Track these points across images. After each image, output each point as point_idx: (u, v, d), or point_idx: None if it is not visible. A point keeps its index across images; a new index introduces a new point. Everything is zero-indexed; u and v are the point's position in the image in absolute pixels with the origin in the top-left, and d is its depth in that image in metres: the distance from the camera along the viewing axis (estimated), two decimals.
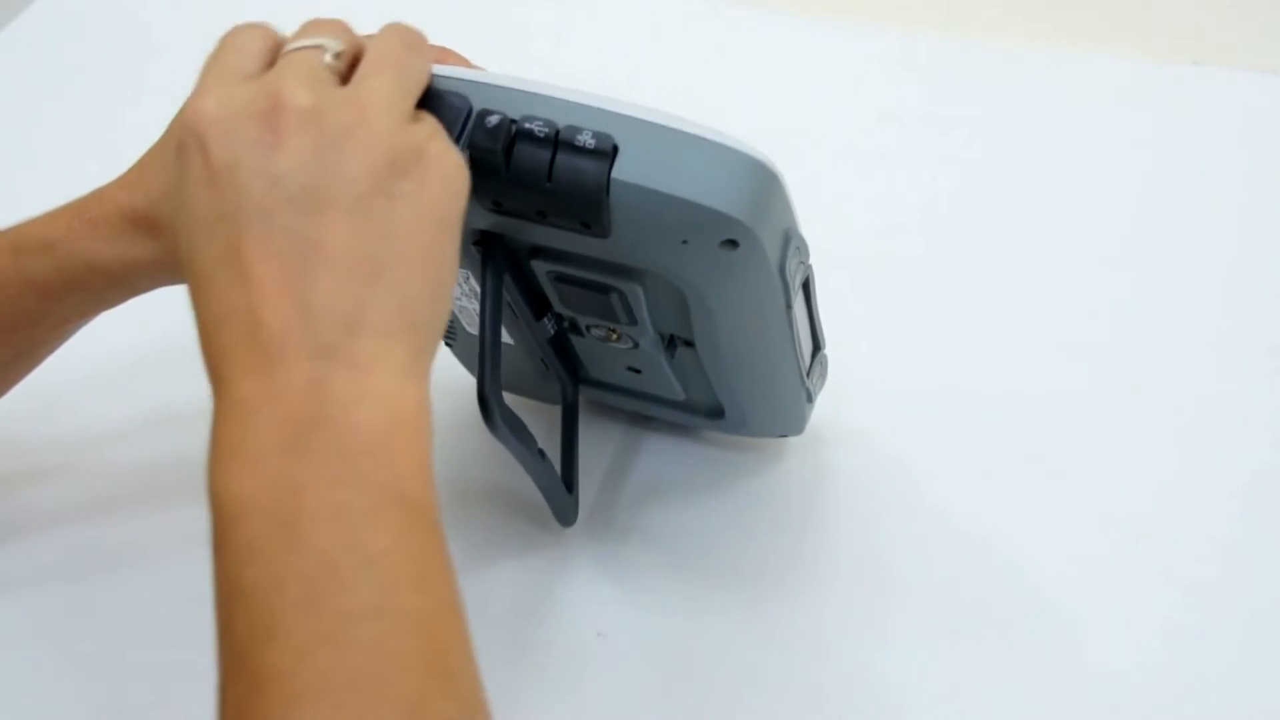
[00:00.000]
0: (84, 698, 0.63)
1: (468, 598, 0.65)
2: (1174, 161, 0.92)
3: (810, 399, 0.68)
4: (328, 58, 0.47)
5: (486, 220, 0.54)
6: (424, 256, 0.45)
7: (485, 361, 0.56)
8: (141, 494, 0.71)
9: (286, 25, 0.51)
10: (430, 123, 0.48)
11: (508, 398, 0.59)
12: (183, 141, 0.46)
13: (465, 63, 0.56)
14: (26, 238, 0.61)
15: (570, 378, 0.69)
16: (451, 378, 0.74)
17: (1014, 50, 1.02)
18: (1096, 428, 0.74)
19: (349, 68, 0.49)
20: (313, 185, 0.44)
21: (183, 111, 0.46)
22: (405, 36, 0.50)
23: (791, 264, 0.54)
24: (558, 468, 0.66)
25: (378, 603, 0.40)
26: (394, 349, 0.44)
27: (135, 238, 0.59)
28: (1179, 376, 0.76)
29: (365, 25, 0.52)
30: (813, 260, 0.58)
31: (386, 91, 0.47)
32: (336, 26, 0.50)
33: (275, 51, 0.49)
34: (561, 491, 0.66)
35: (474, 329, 0.67)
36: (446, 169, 0.46)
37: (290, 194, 0.43)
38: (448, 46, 0.55)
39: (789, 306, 0.57)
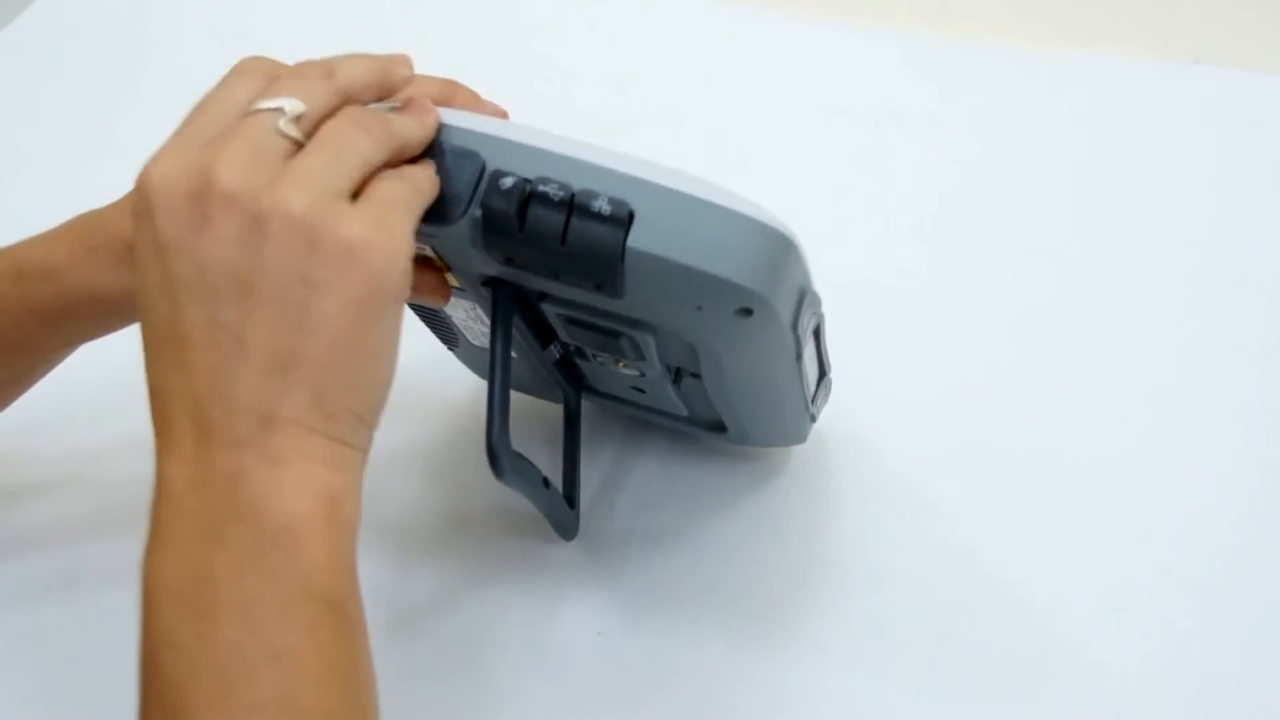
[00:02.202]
0: (88, 709, 0.63)
1: (473, 606, 0.67)
2: (1174, 161, 0.91)
3: (814, 419, 0.68)
4: (282, 123, 0.46)
5: (497, 269, 0.53)
6: (340, 348, 0.44)
7: (494, 413, 0.55)
8: (146, 506, 0.71)
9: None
10: (369, 205, 0.46)
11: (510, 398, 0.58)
12: (135, 207, 0.45)
13: (474, 97, 0.54)
14: (28, 264, 0.60)
15: (574, 388, 0.69)
16: (453, 393, 0.75)
17: (1014, 50, 1.01)
18: (1099, 432, 0.74)
19: (316, 127, 0.47)
20: (234, 273, 0.44)
21: (142, 170, 0.46)
22: (356, 118, 0.47)
23: (804, 318, 0.54)
24: (559, 477, 0.67)
25: (280, 698, 0.42)
26: (311, 441, 0.45)
27: None
28: (1179, 378, 0.77)
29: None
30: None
31: (317, 173, 0.45)
32: (316, 75, 0.48)
33: None
34: (565, 511, 0.66)
35: (477, 342, 0.66)
36: (372, 257, 0.44)
37: (215, 283, 0.44)
38: (456, 80, 0.54)
39: (799, 357, 0.57)
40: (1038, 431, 0.74)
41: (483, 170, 0.49)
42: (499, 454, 0.55)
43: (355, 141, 0.47)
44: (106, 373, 0.74)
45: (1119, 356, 0.78)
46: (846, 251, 0.75)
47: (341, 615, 0.45)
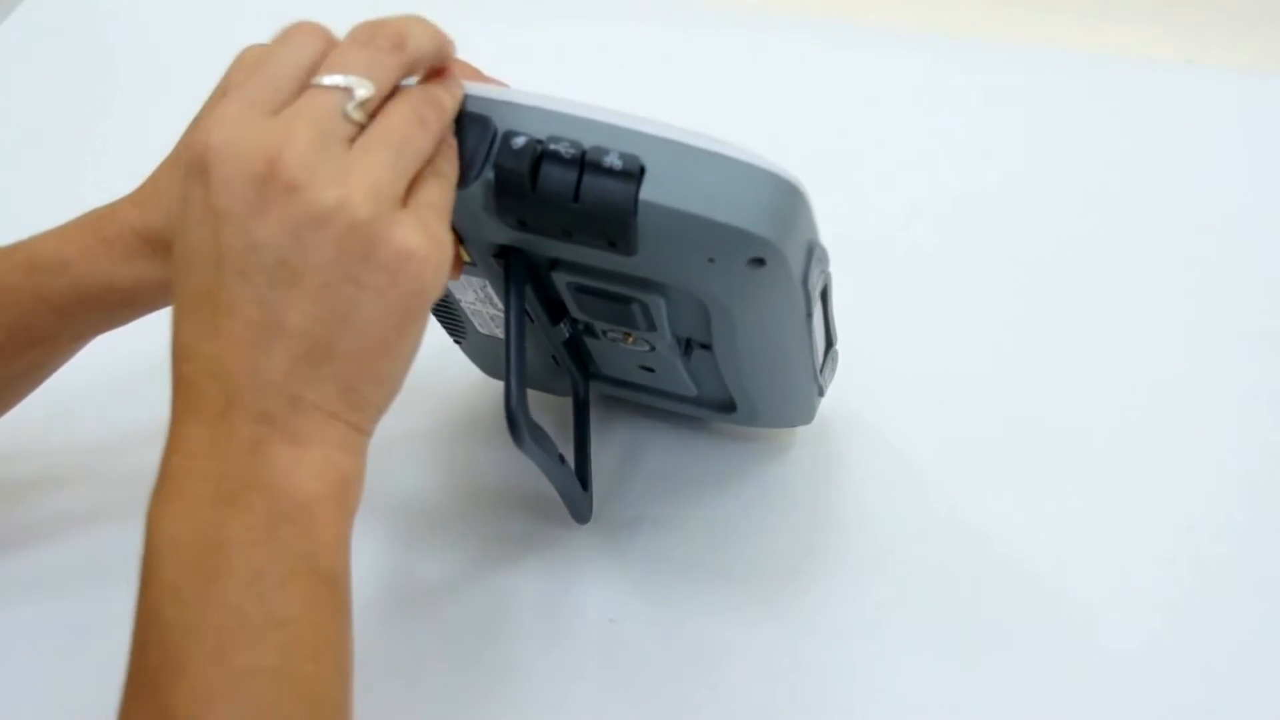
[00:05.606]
0: (102, 701, 0.63)
1: (487, 590, 0.67)
2: (1171, 157, 0.92)
3: (821, 393, 0.68)
4: (350, 106, 0.46)
5: (508, 236, 0.54)
6: (378, 349, 0.46)
7: (511, 379, 0.56)
8: None
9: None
10: (419, 211, 0.46)
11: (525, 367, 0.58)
12: (189, 166, 0.45)
13: (479, 73, 0.55)
14: (42, 256, 0.61)
15: (582, 375, 0.70)
16: (462, 379, 0.75)
17: (1012, 49, 1.02)
18: (1102, 417, 0.75)
19: (378, 106, 0.47)
20: (286, 260, 0.44)
21: (196, 129, 0.46)
22: (418, 108, 0.48)
23: (813, 275, 0.54)
24: (571, 464, 0.67)
25: (278, 666, 0.43)
26: (333, 427, 0.46)
27: (150, 258, 0.59)
28: (1181, 368, 0.77)
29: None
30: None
31: (378, 172, 0.45)
32: (385, 47, 0.48)
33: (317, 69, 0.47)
34: (579, 491, 0.66)
35: (484, 329, 0.67)
36: (424, 270, 0.45)
37: (265, 264, 0.44)
38: (464, 60, 0.55)
39: (809, 315, 0.57)
40: (1041, 416, 0.75)
41: (494, 133, 0.50)
42: (518, 421, 0.56)
43: (416, 139, 0.47)
44: (115, 368, 0.75)
45: (1122, 343, 0.79)
46: (856, 244, 0.75)
47: (339, 593, 0.46)
